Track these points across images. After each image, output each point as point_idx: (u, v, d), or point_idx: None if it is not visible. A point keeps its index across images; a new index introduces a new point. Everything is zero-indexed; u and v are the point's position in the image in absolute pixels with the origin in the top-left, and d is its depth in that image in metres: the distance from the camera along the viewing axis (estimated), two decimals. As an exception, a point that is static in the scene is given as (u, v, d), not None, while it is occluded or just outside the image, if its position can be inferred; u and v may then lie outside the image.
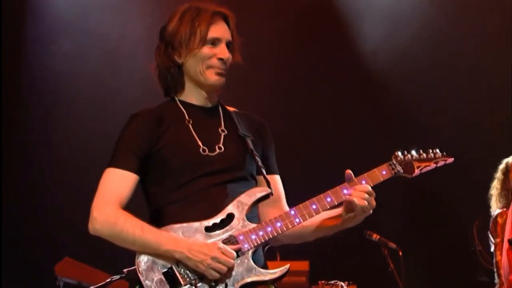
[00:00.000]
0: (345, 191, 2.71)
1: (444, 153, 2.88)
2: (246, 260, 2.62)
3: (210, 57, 2.79)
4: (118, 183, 2.70)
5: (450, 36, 7.07)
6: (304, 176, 6.49)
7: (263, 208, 2.81)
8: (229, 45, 2.83)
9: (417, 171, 2.81)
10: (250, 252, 2.62)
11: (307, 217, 2.68)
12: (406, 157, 2.81)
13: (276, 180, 2.90)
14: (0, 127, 6.68)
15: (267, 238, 2.65)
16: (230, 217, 2.66)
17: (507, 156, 5.53)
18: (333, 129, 7.12)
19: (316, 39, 7.25)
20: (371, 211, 2.76)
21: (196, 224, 2.63)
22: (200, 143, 2.74)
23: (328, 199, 2.70)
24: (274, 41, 7.13)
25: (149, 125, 2.76)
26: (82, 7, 6.93)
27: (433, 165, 2.85)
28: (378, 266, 5.68)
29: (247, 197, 2.69)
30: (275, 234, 2.66)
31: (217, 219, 2.65)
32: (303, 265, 5.67)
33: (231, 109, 2.94)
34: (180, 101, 2.85)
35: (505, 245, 4.62)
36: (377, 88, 7.22)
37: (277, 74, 7.11)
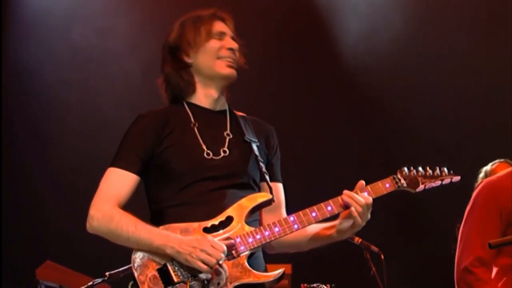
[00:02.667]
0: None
1: (451, 171, 2.94)
2: (241, 262, 2.63)
3: (219, 48, 2.82)
4: (117, 183, 2.72)
5: (439, 34, 7.11)
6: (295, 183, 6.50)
7: (263, 214, 2.83)
8: (234, 40, 2.88)
9: (421, 187, 2.85)
10: (246, 255, 2.63)
11: (306, 224, 2.70)
12: (412, 172, 2.86)
13: (279, 187, 2.93)
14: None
15: (264, 242, 2.67)
16: (229, 219, 2.67)
17: (492, 157, 5.58)
18: (322, 133, 7.15)
19: (301, 40, 7.29)
20: (364, 224, 2.77)
21: (194, 225, 2.64)
22: (204, 147, 2.77)
23: (329, 208, 2.71)
24: (257, 44, 7.14)
25: (154, 126, 2.78)
26: (72, 10, 6.93)
27: (438, 182, 2.90)
28: (361, 270, 5.69)
29: (248, 202, 2.71)
30: (273, 238, 2.68)
31: (216, 221, 2.66)
32: (286, 269, 5.66)
33: (240, 114, 2.95)
34: (187, 103, 2.86)
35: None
36: (365, 89, 7.25)
37: (260, 76, 7.12)
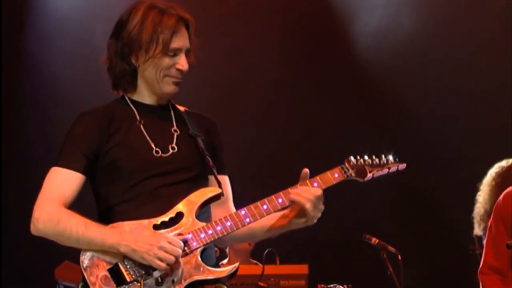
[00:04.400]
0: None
1: (397, 159, 2.83)
2: (194, 259, 2.58)
3: (170, 67, 2.74)
4: (62, 182, 2.67)
5: (453, 32, 7.09)
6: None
7: (212, 208, 2.78)
8: (187, 52, 2.80)
9: (369, 175, 2.77)
10: (199, 251, 2.58)
11: (258, 217, 2.65)
12: (359, 162, 2.77)
13: (225, 180, 2.88)
14: (0, 129, 6.71)
15: (216, 237, 2.61)
16: (180, 215, 2.62)
17: (506, 155, 5.54)
18: (327, 125, 7.15)
19: (316, 39, 7.29)
20: (319, 214, 2.72)
21: (144, 222, 2.59)
22: (152, 145, 2.71)
23: (279, 200, 2.67)
24: (273, 43, 7.16)
25: (98, 124, 2.72)
26: (83, 9, 6.97)
27: (385, 170, 2.80)
28: (377, 270, 5.68)
29: (197, 197, 2.66)
30: (225, 233, 2.62)
31: (166, 217, 2.61)
32: (302, 269, 5.67)
33: (181, 108, 2.90)
34: (130, 100, 2.82)
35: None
36: (371, 86, 7.24)
37: (276, 73, 7.14)
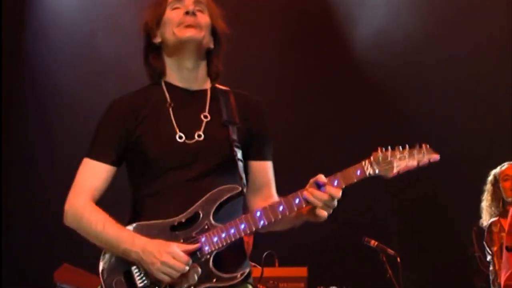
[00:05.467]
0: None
1: (429, 148, 2.65)
2: (206, 265, 2.50)
3: (177, 15, 2.69)
4: (91, 174, 2.64)
5: (452, 32, 7.10)
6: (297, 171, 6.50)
7: (248, 195, 2.72)
8: (198, 3, 2.72)
9: (395, 171, 2.58)
10: (211, 255, 2.51)
11: (272, 220, 2.53)
12: (385, 155, 2.59)
13: (265, 166, 2.76)
14: (0, 129, 6.72)
15: (229, 241, 2.52)
16: (197, 216, 2.55)
17: (506, 159, 5.57)
18: (328, 125, 7.16)
19: (315, 38, 7.31)
20: (330, 211, 2.59)
21: (163, 223, 2.54)
22: (177, 129, 2.62)
23: (297, 201, 2.54)
24: (273, 42, 7.18)
25: (126, 113, 2.66)
26: (84, 9, 6.99)
27: (414, 163, 2.60)
28: (377, 273, 5.68)
29: (215, 196, 2.56)
30: (238, 236, 2.52)
31: (183, 218, 2.54)
32: (302, 271, 5.67)
33: (225, 89, 2.78)
34: (165, 83, 2.74)
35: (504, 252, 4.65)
36: (371, 86, 7.25)
37: (276, 72, 7.16)
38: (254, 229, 2.54)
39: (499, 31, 6.99)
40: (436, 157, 2.62)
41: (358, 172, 2.57)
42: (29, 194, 6.80)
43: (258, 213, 2.54)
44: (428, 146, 2.64)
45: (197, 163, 2.60)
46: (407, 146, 2.62)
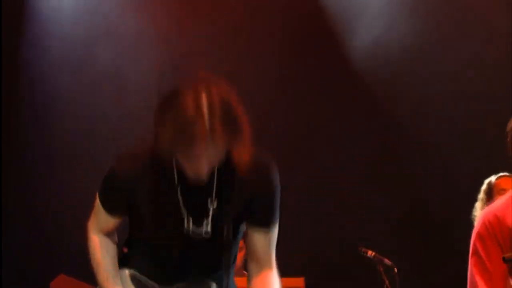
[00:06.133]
0: None
1: None
2: None
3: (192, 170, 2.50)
4: (104, 219, 2.68)
5: (448, 38, 7.12)
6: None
7: (248, 259, 2.73)
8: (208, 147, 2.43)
9: None
10: None
11: None
12: None
13: (265, 236, 2.64)
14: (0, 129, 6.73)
15: None
16: None
17: (503, 167, 5.55)
18: (327, 125, 7.17)
19: (310, 39, 7.33)
20: None
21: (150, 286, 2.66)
22: (185, 217, 2.52)
23: None
24: (272, 48, 7.19)
25: (128, 186, 2.55)
26: (82, 12, 7.01)
27: None
28: (374, 283, 5.68)
29: (198, 286, 2.65)
30: None
31: None
32: (299, 282, 5.66)
33: (231, 167, 2.48)
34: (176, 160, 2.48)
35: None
36: (373, 88, 7.26)
37: (274, 79, 7.17)
38: None
39: (498, 38, 7.01)
40: None
41: None
42: (28, 192, 6.80)
43: None
44: None
45: (196, 250, 2.58)
46: None
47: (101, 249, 2.68)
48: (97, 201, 2.68)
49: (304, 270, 5.82)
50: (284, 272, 5.62)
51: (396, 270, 5.49)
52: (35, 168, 6.90)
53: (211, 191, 2.52)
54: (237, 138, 2.36)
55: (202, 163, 2.33)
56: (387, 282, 5.51)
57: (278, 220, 2.66)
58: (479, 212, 5.40)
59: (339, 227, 6.78)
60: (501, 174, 5.50)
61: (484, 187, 5.46)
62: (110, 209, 2.65)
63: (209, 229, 2.52)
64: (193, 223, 2.52)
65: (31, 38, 7.02)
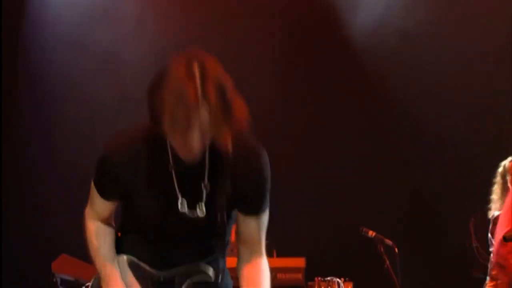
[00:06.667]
0: None
1: None
2: None
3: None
4: (99, 204, 2.67)
5: (450, 34, 7.10)
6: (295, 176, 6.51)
7: (238, 243, 2.71)
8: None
9: None
10: None
11: None
12: None
13: (256, 222, 2.64)
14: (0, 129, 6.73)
15: None
16: (172, 280, 2.64)
17: (502, 152, 5.55)
18: (327, 125, 7.16)
19: (312, 35, 7.30)
20: None
21: (147, 272, 2.65)
22: (179, 199, 2.52)
23: None
24: (266, 42, 7.17)
25: (122, 169, 2.53)
26: (82, 10, 6.98)
27: None
28: (374, 263, 5.69)
29: (191, 271, 2.64)
30: None
31: (161, 277, 2.64)
32: (300, 262, 5.69)
33: (224, 149, 2.49)
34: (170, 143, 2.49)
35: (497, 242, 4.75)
36: (373, 84, 7.25)
37: (274, 69, 7.15)
38: None
39: (498, 19, 6.98)
40: None
41: None
42: (26, 185, 6.80)
43: None
44: None
45: (190, 231, 2.58)
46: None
47: (98, 236, 2.68)
48: (92, 188, 2.66)
49: (305, 250, 5.84)
50: (285, 253, 5.65)
51: (396, 249, 5.50)
52: (36, 158, 6.92)
53: (203, 173, 2.51)
54: (228, 109, 2.35)
55: (195, 134, 2.32)
56: (387, 261, 5.53)
57: (268, 207, 2.65)
58: (495, 194, 5.40)
59: (340, 208, 6.79)
60: None
61: (500, 170, 5.44)
62: (105, 194, 2.63)
63: (203, 211, 2.52)
64: (188, 206, 2.51)
65: (31, 22, 6.99)
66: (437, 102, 7.11)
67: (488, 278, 5.14)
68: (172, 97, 2.28)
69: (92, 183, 2.64)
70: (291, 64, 7.21)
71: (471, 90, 6.95)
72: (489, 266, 5.26)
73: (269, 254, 5.46)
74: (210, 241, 2.65)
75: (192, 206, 2.52)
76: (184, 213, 2.51)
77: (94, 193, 2.65)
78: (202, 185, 2.52)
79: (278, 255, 5.65)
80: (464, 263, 6.61)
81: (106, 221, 2.69)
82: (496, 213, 5.38)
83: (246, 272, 2.65)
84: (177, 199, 2.51)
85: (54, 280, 5.40)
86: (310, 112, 7.23)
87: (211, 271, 2.64)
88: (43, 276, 5.72)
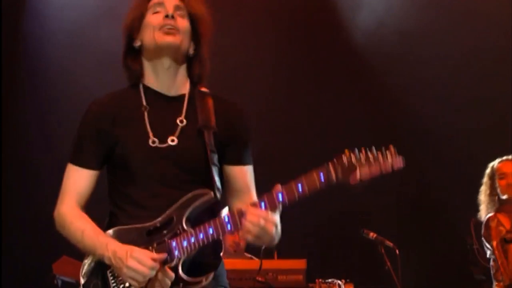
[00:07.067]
0: (279, 196, 2.45)
1: (395, 152, 2.48)
2: (175, 270, 2.52)
3: (158, 21, 2.69)
4: (75, 180, 2.69)
5: (445, 26, 7.11)
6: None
7: (229, 200, 2.74)
8: (178, 9, 2.73)
9: (357, 178, 2.43)
10: (181, 260, 2.52)
11: (239, 225, 2.46)
12: (351, 158, 2.46)
13: (243, 171, 2.74)
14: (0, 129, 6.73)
15: (197, 246, 2.51)
16: (170, 220, 2.56)
17: (503, 154, 5.57)
18: (324, 120, 7.16)
19: (311, 33, 7.31)
20: (273, 229, 2.50)
21: (139, 228, 2.58)
22: (150, 134, 2.62)
23: (263, 205, 2.48)
24: (267, 39, 7.17)
25: (102, 117, 2.68)
26: (81, 7, 6.98)
27: (377, 171, 2.46)
28: (375, 265, 5.69)
29: (188, 202, 2.57)
30: (206, 241, 2.51)
31: (158, 223, 2.57)
32: (300, 263, 5.67)
33: (206, 93, 2.75)
34: (143, 86, 2.75)
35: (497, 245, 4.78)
36: (372, 83, 7.26)
37: (270, 70, 7.15)
38: (221, 233, 2.51)
39: (497, 20, 6.99)
40: (399, 163, 2.47)
41: (322, 177, 2.46)
42: (27, 186, 6.81)
43: (226, 218, 2.51)
44: (394, 149, 2.49)
45: (171, 168, 2.61)
46: (374, 149, 2.47)
47: (80, 217, 2.65)
48: (68, 169, 2.71)
49: (306, 252, 5.84)
50: (286, 254, 5.66)
51: (397, 251, 5.50)
52: (35, 157, 6.92)
53: (181, 110, 2.67)
54: (198, 46, 2.72)
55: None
56: (388, 263, 5.53)
57: (252, 163, 2.77)
58: (484, 196, 5.43)
59: (341, 210, 6.79)
60: (504, 157, 5.53)
61: (488, 171, 5.49)
62: (87, 159, 2.66)
63: (175, 140, 2.61)
64: (158, 140, 2.61)
65: (32, 17, 7.00)
66: (440, 104, 7.12)
67: (494, 282, 5.17)
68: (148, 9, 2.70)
69: (69, 163, 2.71)
70: (292, 64, 7.23)
71: (473, 91, 6.96)
72: (491, 269, 5.28)
73: (270, 256, 5.48)
74: (199, 181, 2.62)
75: (163, 140, 2.61)
76: (156, 147, 2.59)
77: (70, 172, 2.70)
78: (178, 120, 2.65)
79: (279, 257, 5.64)
80: (465, 265, 6.61)
81: (82, 208, 2.68)
82: (487, 215, 5.41)
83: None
84: (148, 138, 2.61)
85: (55, 281, 5.40)
86: (311, 112, 7.24)
87: (207, 191, 2.59)
88: (43, 278, 5.72)
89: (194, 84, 2.77)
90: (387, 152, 2.48)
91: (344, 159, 2.46)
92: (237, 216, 2.48)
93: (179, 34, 2.69)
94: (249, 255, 5.84)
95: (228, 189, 2.74)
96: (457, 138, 6.91)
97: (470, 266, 6.39)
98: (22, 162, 6.92)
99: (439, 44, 7.11)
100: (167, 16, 2.69)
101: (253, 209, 2.46)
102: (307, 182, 2.47)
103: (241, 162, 2.76)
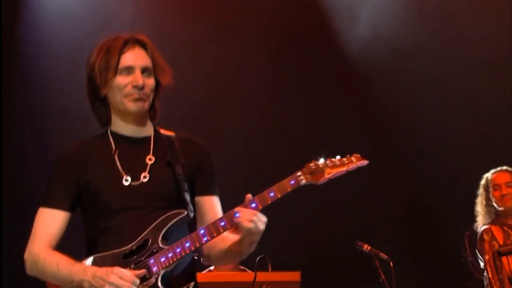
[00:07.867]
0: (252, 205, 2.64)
1: (359, 157, 2.77)
2: (155, 284, 2.65)
3: (125, 86, 2.80)
4: (47, 222, 2.80)
5: (440, 38, 7.14)
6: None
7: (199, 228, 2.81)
8: (145, 70, 2.84)
9: (326, 177, 2.70)
10: (160, 275, 2.66)
11: (215, 235, 2.67)
12: (317, 165, 2.72)
13: (212, 201, 2.91)
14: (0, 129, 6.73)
15: (175, 259, 2.66)
16: (146, 242, 2.69)
17: (499, 165, 5.58)
18: (319, 127, 7.17)
19: (305, 43, 7.33)
20: (258, 236, 2.70)
21: (115, 253, 2.69)
22: (123, 173, 2.77)
23: (237, 215, 2.64)
24: (262, 45, 7.18)
25: (74, 162, 2.82)
26: (79, 12, 7.00)
27: (343, 169, 2.73)
28: (369, 277, 5.68)
29: (162, 222, 2.71)
30: (183, 254, 2.66)
31: (134, 246, 2.69)
32: (295, 276, 5.66)
33: (169, 134, 2.93)
34: (111, 132, 2.90)
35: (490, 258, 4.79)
36: (366, 90, 7.27)
37: (267, 76, 7.16)
38: (198, 245, 2.67)
39: (497, 35, 7.02)
40: (364, 162, 2.76)
41: (292, 182, 2.67)
42: (28, 192, 6.79)
43: (202, 231, 2.67)
44: (358, 155, 2.76)
45: (146, 203, 2.74)
46: (338, 156, 2.76)
47: (53, 253, 2.74)
48: (40, 213, 2.82)
49: (300, 264, 5.82)
50: (280, 267, 5.66)
51: (392, 264, 5.49)
52: (34, 157, 6.91)
53: (149, 150, 2.84)
54: (163, 68, 2.84)
55: (139, 75, 2.75)
56: (383, 276, 5.52)
57: (218, 195, 2.94)
58: (480, 207, 5.44)
59: (335, 222, 6.78)
60: (498, 168, 5.54)
61: (482, 182, 5.51)
62: (59, 200, 2.78)
63: (147, 177, 2.76)
64: (131, 178, 2.76)
65: (28, 29, 7.01)
66: (434, 115, 7.14)
67: None
68: (106, 45, 2.83)
69: (40, 207, 2.83)
70: (286, 75, 7.24)
71: (469, 102, 6.98)
72: (484, 281, 5.28)
73: (264, 268, 5.47)
74: (172, 208, 2.76)
75: (136, 177, 2.77)
76: (130, 185, 2.75)
77: (41, 215, 2.81)
78: (147, 158, 2.81)
79: (273, 269, 5.63)
80: (459, 277, 6.60)
81: (53, 249, 2.76)
82: (482, 228, 5.42)
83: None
84: (121, 177, 2.76)
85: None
86: (305, 122, 7.25)
87: (181, 210, 2.74)
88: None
89: (152, 121, 2.95)
90: (352, 157, 2.75)
91: (312, 165, 2.71)
92: (232, 214, 2.62)
93: (148, 98, 2.84)
94: (243, 267, 5.83)
95: (199, 220, 2.87)
96: (452, 152, 6.92)
97: (465, 279, 6.39)
98: (21, 162, 6.92)
99: (434, 56, 7.13)
100: (136, 86, 2.79)
101: (246, 208, 2.63)
102: (279, 189, 2.66)
103: (209, 192, 2.92)
